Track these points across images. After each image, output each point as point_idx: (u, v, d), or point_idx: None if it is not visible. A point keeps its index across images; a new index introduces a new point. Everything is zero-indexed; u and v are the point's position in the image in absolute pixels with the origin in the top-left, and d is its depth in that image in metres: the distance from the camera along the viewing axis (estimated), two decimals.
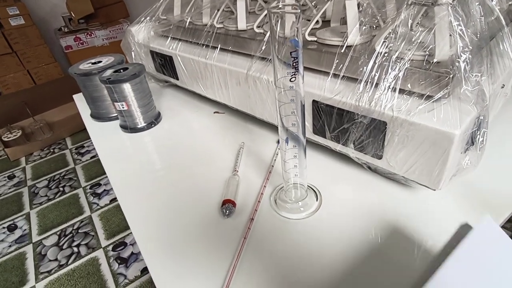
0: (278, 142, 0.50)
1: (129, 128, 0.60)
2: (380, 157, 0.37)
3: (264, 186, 0.41)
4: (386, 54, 0.34)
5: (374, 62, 0.35)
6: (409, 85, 0.33)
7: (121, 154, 0.55)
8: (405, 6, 0.34)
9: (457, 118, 0.30)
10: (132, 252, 1.15)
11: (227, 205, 0.37)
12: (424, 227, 0.34)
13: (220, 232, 0.36)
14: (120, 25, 2.22)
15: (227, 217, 0.37)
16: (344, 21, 0.47)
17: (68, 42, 2.06)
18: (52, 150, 1.79)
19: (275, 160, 0.46)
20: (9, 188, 1.53)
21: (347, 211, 0.37)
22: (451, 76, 0.30)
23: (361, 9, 0.38)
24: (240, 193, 0.41)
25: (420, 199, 0.37)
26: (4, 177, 1.62)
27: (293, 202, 0.38)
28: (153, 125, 0.61)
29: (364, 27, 0.38)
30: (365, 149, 0.38)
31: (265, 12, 0.49)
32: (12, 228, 1.28)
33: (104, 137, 0.61)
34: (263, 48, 0.46)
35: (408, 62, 0.33)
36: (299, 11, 0.25)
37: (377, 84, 0.34)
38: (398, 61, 0.33)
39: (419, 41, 0.33)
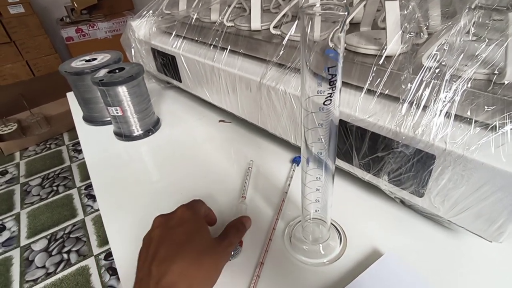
0: (293, 161, 0.43)
1: (124, 135, 0.54)
2: (421, 195, 0.30)
3: (277, 219, 0.35)
4: (437, 70, 0.28)
5: (421, 80, 0.28)
6: (468, 112, 0.26)
7: (112, 164, 0.48)
8: (466, 10, 0.27)
9: None
10: None
11: None
12: (472, 282, 0.27)
13: (222, 278, 0.30)
14: (124, 17, 2.15)
15: (232, 258, 0.31)
16: (375, 25, 0.40)
17: (69, 33, 1.99)
18: (48, 146, 1.72)
19: (289, 185, 0.39)
20: (1, 185, 1.46)
21: (376, 257, 0.30)
22: None
23: (405, 12, 0.31)
24: None
25: (467, 248, 0.31)
26: None
27: (312, 242, 0.32)
28: (150, 133, 0.55)
29: (408, 35, 0.31)
30: (403, 183, 0.31)
31: (283, 11, 0.42)
32: (0, 229, 1.22)
33: (96, 144, 0.54)
34: (281, 53, 0.39)
35: (468, 82, 0.26)
36: (346, 13, 0.18)
37: (425, 107, 0.28)
38: (454, 80, 0.27)
39: (484, 56, 0.26)
